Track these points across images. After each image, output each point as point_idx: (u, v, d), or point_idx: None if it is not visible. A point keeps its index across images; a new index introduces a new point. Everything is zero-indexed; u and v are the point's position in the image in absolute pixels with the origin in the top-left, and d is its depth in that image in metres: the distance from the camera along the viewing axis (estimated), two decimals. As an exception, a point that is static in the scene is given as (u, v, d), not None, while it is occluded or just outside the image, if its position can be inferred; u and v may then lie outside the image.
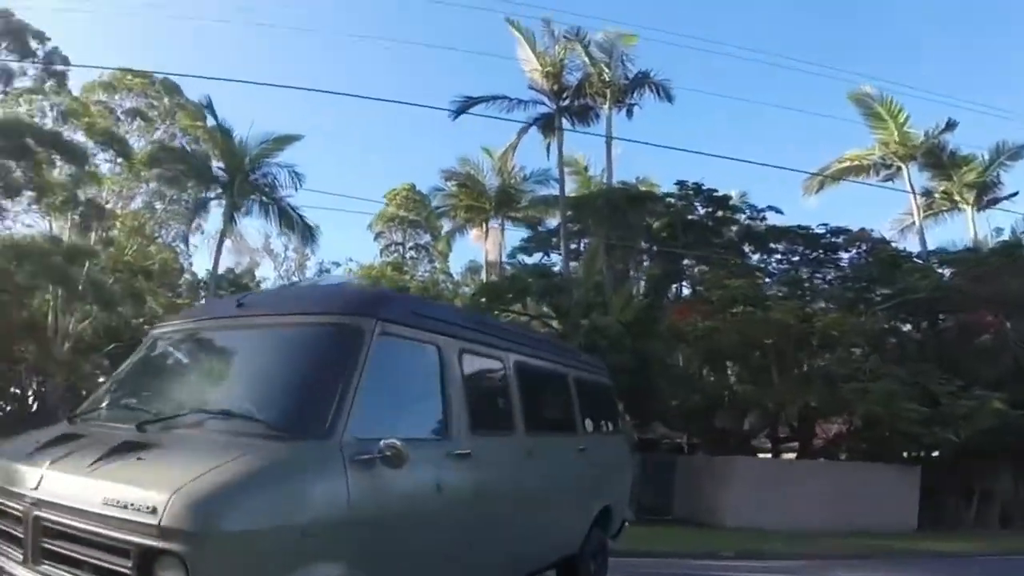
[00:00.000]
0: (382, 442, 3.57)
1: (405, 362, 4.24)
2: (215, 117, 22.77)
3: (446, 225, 31.56)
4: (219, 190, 24.05)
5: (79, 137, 26.78)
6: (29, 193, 24.70)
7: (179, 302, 27.16)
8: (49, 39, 24.87)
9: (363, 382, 3.75)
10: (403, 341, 4.21)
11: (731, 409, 21.63)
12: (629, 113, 23.55)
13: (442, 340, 4.54)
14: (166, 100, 29.71)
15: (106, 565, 3.08)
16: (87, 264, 27.36)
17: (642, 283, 25.29)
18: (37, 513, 3.37)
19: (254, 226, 35.60)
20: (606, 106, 23.21)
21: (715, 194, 23.62)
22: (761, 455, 22.71)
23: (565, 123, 23.29)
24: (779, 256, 24.32)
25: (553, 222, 26.06)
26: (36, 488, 3.42)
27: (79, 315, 26.18)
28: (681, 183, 23.31)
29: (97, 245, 28.70)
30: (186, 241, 29.81)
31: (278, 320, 4.31)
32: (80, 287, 25.33)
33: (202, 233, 31.72)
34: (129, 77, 29.26)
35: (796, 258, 24.03)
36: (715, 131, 48.70)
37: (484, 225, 28.96)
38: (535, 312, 22.55)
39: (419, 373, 4.38)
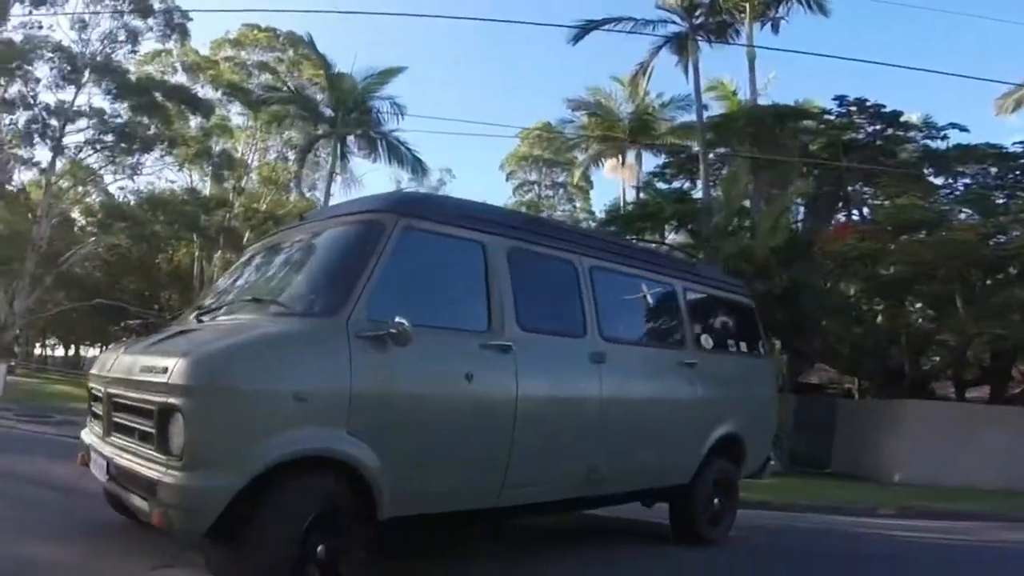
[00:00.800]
0: (391, 322, 3.72)
1: (439, 256, 4.42)
2: (316, 51, 22.23)
3: (579, 158, 29.88)
4: (327, 127, 23.66)
5: (208, 91, 27.42)
6: (163, 146, 25.51)
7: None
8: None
9: (380, 269, 3.99)
10: (435, 237, 4.39)
11: (908, 346, 18.74)
12: (775, 28, 20.83)
13: (488, 239, 4.65)
14: (291, 52, 29.93)
15: (144, 428, 3.63)
16: (223, 213, 28.40)
17: (800, 209, 22.60)
18: (108, 390, 4.11)
19: (382, 171, 35.56)
20: (746, 21, 20.60)
21: (883, 110, 20.45)
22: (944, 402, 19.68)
23: (701, 42, 20.86)
24: (967, 181, 20.74)
25: (695, 148, 23.73)
26: (111, 369, 4.17)
27: (220, 262, 27.10)
28: (840, 98, 20.41)
29: (231, 195, 29.63)
30: (298, 182, 29.90)
31: (323, 224, 4.79)
32: (215, 235, 26.30)
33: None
34: (256, 32, 29.64)
35: (988, 181, 20.25)
36: (880, 50, 43.31)
37: (620, 156, 27.23)
38: (674, 241, 20.62)
39: (458, 267, 4.53)
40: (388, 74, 22.55)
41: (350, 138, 23.98)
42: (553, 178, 38.45)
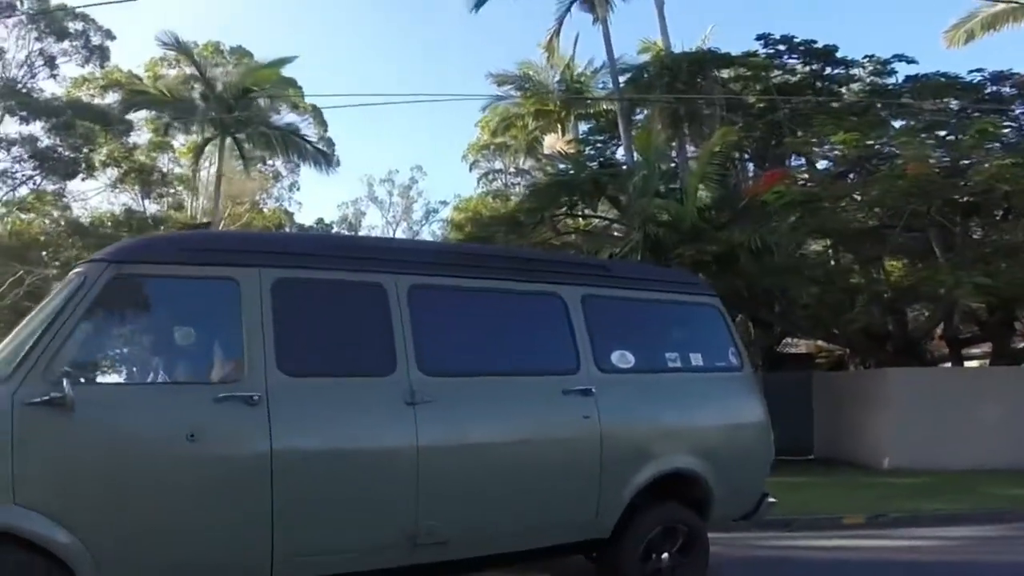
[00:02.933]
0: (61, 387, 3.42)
1: (170, 302, 4.15)
2: (189, 55, 21.15)
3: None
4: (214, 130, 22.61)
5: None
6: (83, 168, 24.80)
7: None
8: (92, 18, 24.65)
9: (73, 327, 3.64)
10: (164, 281, 4.01)
11: (886, 303, 16.90)
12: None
13: (243, 272, 4.07)
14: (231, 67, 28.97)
15: None
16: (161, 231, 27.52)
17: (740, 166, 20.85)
18: None
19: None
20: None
21: (815, 46, 18.70)
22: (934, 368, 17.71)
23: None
24: (925, 118, 18.57)
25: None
26: None
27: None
28: (764, 36, 18.70)
29: (170, 211, 28.79)
30: (195, 190, 29.07)
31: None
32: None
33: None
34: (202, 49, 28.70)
35: (946, 119, 18.06)
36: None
37: (560, 129, 25.68)
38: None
39: (196, 311, 4.24)
40: (276, 65, 21.51)
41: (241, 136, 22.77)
42: (518, 164, 36.96)
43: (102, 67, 25.29)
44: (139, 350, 4.13)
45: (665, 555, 5.12)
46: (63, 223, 26.84)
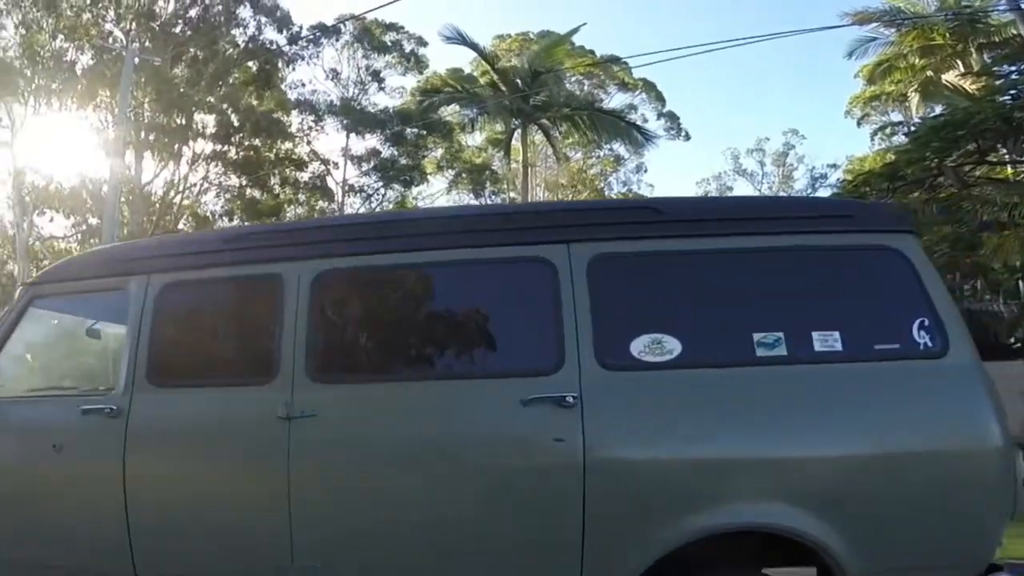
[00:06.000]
0: None
1: (73, 319, 4.41)
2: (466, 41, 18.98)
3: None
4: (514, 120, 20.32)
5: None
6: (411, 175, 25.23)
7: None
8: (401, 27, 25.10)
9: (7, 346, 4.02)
10: (68, 299, 4.21)
11: None
12: None
13: (134, 282, 3.87)
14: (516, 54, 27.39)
15: None
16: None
17: None
18: None
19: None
20: None
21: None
22: None
23: None
24: None
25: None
26: None
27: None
28: None
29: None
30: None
31: None
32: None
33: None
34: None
35: None
36: None
37: (961, 65, 18.99)
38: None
39: (99, 321, 4.31)
40: (562, 41, 18.63)
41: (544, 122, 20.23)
42: (911, 111, 29.21)
43: (420, 73, 25.18)
44: (44, 367, 4.49)
45: None
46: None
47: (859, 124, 30.89)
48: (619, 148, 28.72)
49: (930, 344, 3.28)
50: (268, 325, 3.61)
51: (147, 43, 19.83)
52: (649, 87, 25.89)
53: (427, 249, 3.59)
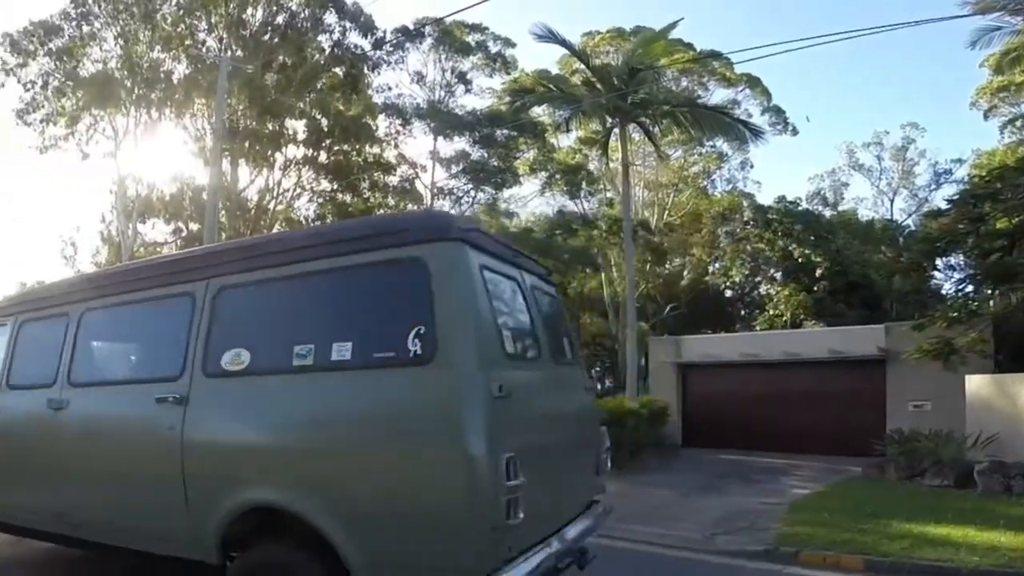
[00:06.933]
0: None
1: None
2: (557, 39, 18.06)
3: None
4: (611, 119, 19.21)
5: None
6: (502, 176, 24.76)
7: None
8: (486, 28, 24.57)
9: None
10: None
11: None
12: None
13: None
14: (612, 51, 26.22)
15: None
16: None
17: None
18: None
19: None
20: None
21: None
22: None
23: None
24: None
25: None
26: None
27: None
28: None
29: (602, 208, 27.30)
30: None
31: None
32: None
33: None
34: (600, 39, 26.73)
35: None
36: None
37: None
38: None
39: None
40: (660, 36, 17.48)
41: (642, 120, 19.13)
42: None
43: (507, 74, 24.49)
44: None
45: None
46: (493, 231, 27.02)
47: (986, 116, 28.28)
48: (722, 145, 27.35)
49: (420, 351, 3.47)
50: (56, 346, 5.21)
51: (239, 52, 19.92)
52: (753, 82, 24.43)
53: (122, 292, 4.95)
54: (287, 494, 3.71)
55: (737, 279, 30.21)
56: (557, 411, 4.43)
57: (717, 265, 32.01)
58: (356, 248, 3.85)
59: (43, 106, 20.96)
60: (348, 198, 24.89)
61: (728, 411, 16.95)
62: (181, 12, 19.76)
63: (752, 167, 31.39)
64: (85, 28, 20.09)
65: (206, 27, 20.54)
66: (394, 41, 21.64)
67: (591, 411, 5.16)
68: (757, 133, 19.07)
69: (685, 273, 32.75)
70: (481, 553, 3.27)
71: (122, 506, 4.54)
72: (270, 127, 20.98)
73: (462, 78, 24.73)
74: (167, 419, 4.20)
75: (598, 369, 42.09)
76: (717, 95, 25.05)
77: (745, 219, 28.54)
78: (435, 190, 26.55)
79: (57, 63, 20.25)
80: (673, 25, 17.85)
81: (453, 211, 25.74)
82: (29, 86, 20.72)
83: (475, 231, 3.96)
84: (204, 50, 20.31)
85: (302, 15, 20.34)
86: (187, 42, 20.07)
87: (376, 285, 3.81)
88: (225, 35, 20.28)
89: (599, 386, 38.21)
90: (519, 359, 4.05)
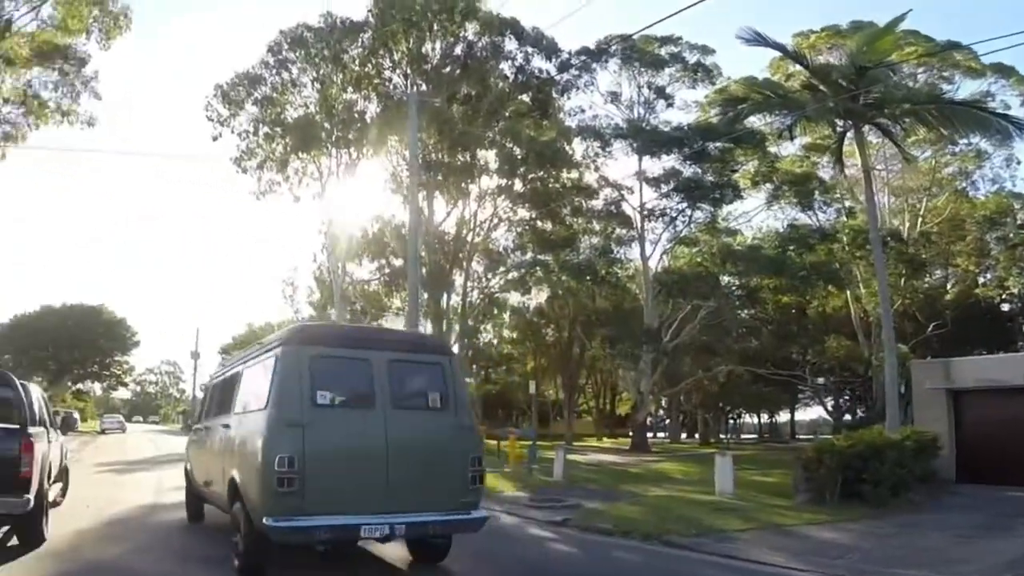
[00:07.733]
0: None
1: None
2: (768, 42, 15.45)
3: None
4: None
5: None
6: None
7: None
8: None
9: None
10: None
11: None
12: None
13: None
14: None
15: None
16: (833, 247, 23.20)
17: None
18: None
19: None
20: None
21: None
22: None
23: None
24: None
25: None
26: None
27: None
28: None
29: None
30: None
31: None
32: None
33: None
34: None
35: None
36: None
37: None
38: None
39: None
40: (888, 30, 14.37)
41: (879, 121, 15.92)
42: None
43: (711, 84, 21.99)
44: None
45: None
46: (715, 251, 24.31)
47: None
48: (980, 142, 22.78)
49: (264, 404, 6.14)
50: None
51: (423, 86, 19.50)
52: (1007, 71, 20.10)
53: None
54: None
55: (1015, 290, 26.30)
56: (372, 435, 5.91)
57: (988, 276, 27.90)
58: (265, 350, 6.74)
59: (257, 153, 21.96)
60: (548, 225, 23.71)
61: (1013, 443, 13.68)
62: (366, 52, 19.74)
63: (1020, 163, 26.02)
64: (284, 75, 20.77)
65: (390, 64, 20.49)
66: (579, 64, 20.26)
67: (448, 441, 6.24)
68: (1021, 127, 15.30)
69: (949, 286, 28.35)
70: (270, 503, 5.60)
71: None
72: (461, 158, 20.36)
73: (661, 93, 22.76)
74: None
75: (847, 398, 37.37)
76: (964, 88, 20.89)
77: (1019, 222, 24.23)
78: (644, 211, 24.62)
79: (262, 111, 21.07)
80: (902, 18, 14.87)
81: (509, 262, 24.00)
82: (244, 135, 21.85)
83: (314, 336, 6.50)
84: (392, 87, 20.14)
85: (479, 44, 19.59)
86: (375, 80, 20.02)
87: (266, 369, 6.42)
88: (409, 70, 20.04)
89: (848, 416, 33.89)
90: (329, 408, 5.91)
